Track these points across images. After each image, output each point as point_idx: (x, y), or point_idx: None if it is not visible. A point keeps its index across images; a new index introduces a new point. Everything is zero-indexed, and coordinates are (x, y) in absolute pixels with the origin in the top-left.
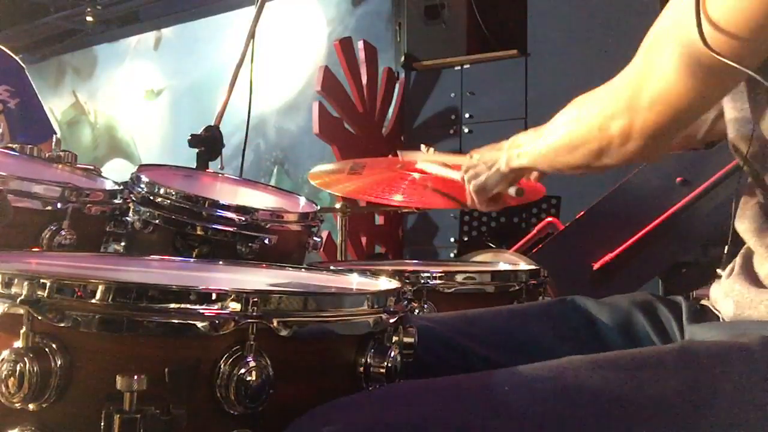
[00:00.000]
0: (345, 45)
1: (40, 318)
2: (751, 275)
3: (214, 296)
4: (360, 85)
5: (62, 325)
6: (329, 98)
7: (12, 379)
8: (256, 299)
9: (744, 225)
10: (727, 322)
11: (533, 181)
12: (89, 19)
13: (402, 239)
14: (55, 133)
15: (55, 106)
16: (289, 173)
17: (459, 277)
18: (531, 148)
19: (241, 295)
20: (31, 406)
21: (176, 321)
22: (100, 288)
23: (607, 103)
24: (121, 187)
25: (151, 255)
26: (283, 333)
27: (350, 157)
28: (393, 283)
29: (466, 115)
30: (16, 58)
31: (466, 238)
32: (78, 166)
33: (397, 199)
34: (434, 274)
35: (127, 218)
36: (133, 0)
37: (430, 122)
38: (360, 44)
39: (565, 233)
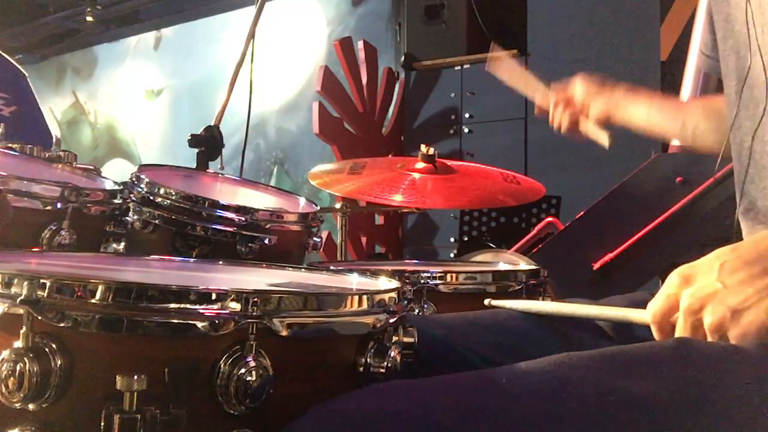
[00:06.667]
0: (345, 45)
1: (40, 318)
2: None
3: (213, 296)
4: (360, 85)
5: (62, 325)
6: (329, 98)
7: (12, 379)
8: (256, 299)
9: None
10: None
11: (532, 180)
12: (89, 19)
13: (402, 239)
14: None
15: (55, 106)
16: (289, 173)
17: (459, 277)
18: None
19: (241, 295)
20: (30, 406)
21: (176, 321)
22: (100, 288)
23: None
24: (121, 187)
25: (151, 255)
26: (283, 333)
27: (350, 157)
28: (393, 283)
29: (466, 115)
30: (18, 65)
31: (466, 238)
32: (78, 166)
33: (397, 199)
34: (434, 274)
35: (127, 218)
36: (133, 0)
37: (430, 122)
38: (360, 44)
39: (565, 233)
